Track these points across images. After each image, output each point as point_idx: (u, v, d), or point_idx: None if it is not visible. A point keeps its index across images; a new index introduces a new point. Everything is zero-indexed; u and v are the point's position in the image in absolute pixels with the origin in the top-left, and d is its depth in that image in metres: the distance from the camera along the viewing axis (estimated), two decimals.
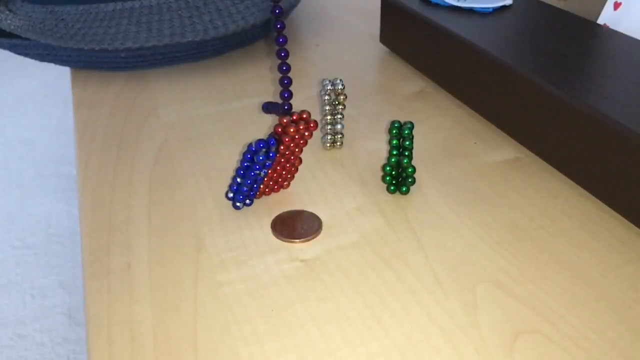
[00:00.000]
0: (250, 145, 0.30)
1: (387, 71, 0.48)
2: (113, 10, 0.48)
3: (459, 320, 0.25)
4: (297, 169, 0.33)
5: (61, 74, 2.08)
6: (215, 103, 0.44)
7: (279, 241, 0.30)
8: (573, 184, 0.34)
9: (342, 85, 0.35)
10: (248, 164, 0.30)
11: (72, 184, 1.49)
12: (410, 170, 0.32)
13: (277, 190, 0.33)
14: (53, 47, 0.46)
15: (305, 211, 0.32)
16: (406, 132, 0.31)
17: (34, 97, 1.92)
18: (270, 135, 0.30)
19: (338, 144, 0.37)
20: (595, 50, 0.37)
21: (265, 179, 0.32)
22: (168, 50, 0.46)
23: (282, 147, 0.30)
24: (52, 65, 2.15)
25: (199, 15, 0.48)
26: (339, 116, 0.36)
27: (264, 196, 0.33)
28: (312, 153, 0.37)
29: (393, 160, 0.32)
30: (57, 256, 1.27)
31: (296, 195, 0.33)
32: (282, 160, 0.31)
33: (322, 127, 0.37)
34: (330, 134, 0.37)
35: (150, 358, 0.24)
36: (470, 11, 0.44)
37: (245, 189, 0.31)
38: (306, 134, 0.30)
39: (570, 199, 0.33)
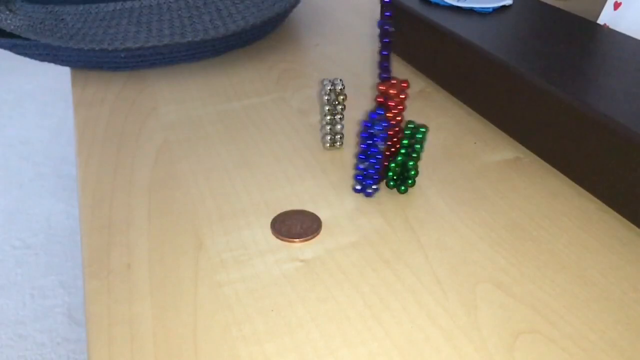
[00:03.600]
0: (364, 122, 0.29)
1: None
2: (113, 10, 0.48)
3: (459, 320, 0.25)
4: (402, 132, 0.32)
5: (61, 74, 2.08)
6: (215, 103, 0.44)
7: (279, 241, 0.30)
8: (573, 184, 0.34)
9: (342, 85, 0.35)
10: (367, 143, 0.30)
11: (72, 184, 1.49)
12: (412, 172, 0.32)
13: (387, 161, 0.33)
14: (53, 47, 0.46)
15: (305, 211, 0.32)
16: (419, 135, 0.31)
17: (34, 97, 1.92)
18: (376, 109, 0.29)
19: (338, 144, 0.37)
20: (595, 50, 0.37)
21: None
22: (168, 50, 0.46)
23: (389, 114, 0.29)
24: (52, 65, 2.15)
25: (199, 15, 0.48)
26: (339, 116, 0.36)
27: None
28: (312, 153, 0.37)
29: (400, 159, 0.32)
30: (57, 256, 1.27)
31: (296, 195, 0.33)
32: (390, 128, 0.31)
33: (322, 127, 0.37)
34: (330, 134, 0.37)
35: (150, 358, 0.24)
36: (470, 11, 0.44)
37: (372, 170, 0.30)
38: (402, 96, 0.30)
39: (570, 199, 0.33)
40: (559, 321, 0.25)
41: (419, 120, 0.41)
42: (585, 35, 0.39)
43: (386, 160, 0.33)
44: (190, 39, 0.45)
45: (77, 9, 0.49)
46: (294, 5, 0.53)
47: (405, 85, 0.30)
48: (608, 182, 0.31)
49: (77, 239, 1.31)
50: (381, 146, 0.30)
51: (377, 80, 0.30)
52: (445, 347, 0.24)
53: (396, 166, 0.32)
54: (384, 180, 0.33)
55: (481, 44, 0.39)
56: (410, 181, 0.33)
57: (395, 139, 0.33)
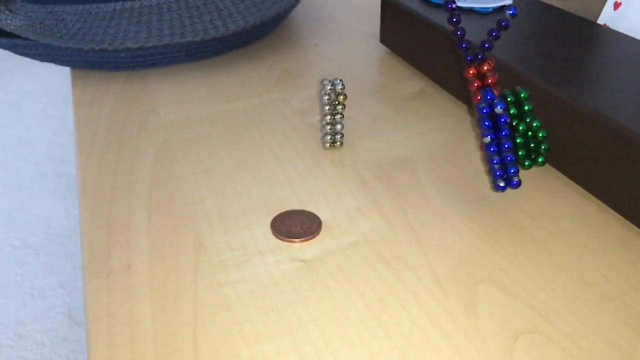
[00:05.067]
0: (483, 110, 0.26)
1: (387, 71, 0.48)
2: (113, 10, 0.48)
3: (459, 320, 0.25)
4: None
5: (61, 74, 2.08)
6: (215, 103, 0.44)
7: (279, 241, 0.30)
8: (573, 184, 0.34)
9: (342, 85, 0.35)
10: (492, 131, 0.27)
11: (72, 184, 1.49)
12: (541, 134, 0.28)
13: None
14: (53, 47, 0.46)
15: (305, 211, 0.32)
16: (523, 95, 0.28)
17: (34, 97, 1.92)
18: (483, 92, 0.27)
19: (338, 144, 0.37)
20: (595, 50, 0.37)
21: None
22: (168, 50, 0.46)
23: (495, 92, 0.27)
24: (52, 65, 2.15)
25: (199, 15, 0.48)
26: (339, 116, 0.36)
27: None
28: (312, 153, 0.37)
29: (522, 128, 0.28)
30: (57, 256, 1.27)
31: (296, 195, 0.33)
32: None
33: (322, 127, 0.37)
34: (330, 134, 0.37)
35: (150, 358, 0.24)
36: (470, 11, 0.44)
37: (510, 156, 0.27)
38: (487, 67, 0.27)
39: (570, 199, 0.33)
40: (559, 321, 0.25)
41: (419, 120, 0.41)
42: (585, 35, 0.39)
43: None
44: (190, 39, 0.45)
45: (77, 9, 0.49)
46: (294, 5, 0.53)
47: (490, 58, 0.27)
48: (608, 182, 0.31)
49: (77, 239, 1.31)
50: (506, 126, 0.27)
51: (464, 65, 0.27)
52: (445, 347, 0.24)
53: (523, 139, 0.29)
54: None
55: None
56: (543, 146, 0.29)
57: None
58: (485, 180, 0.34)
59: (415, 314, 0.26)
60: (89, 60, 0.47)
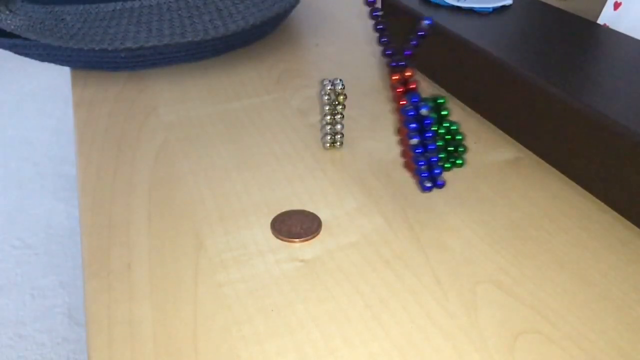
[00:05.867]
0: (408, 113, 0.28)
1: (387, 71, 0.48)
2: (113, 10, 0.48)
3: (459, 320, 0.25)
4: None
5: (61, 74, 2.08)
6: (215, 103, 0.44)
7: (279, 241, 0.30)
8: (573, 184, 0.34)
9: (342, 85, 0.35)
10: (418, 135, 0.28)
11: (72, 184, 1.49)
12: (459, 137, 0.30)
13: None
14: (53, 47, 0.46)
15: (305, 211, 0.32)
16: (440, 101, 0.29)
17: (34, 97, 1.92)
18: (408, 95, 0.28)
19: (338, 144, 0.37)
20: (595, 50, 0.37)
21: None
22: (168, 50, 0.46)
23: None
24: (52, 65, 2.15)
25: (199, 15, 0.48)
26: (339, 116, 0.36)
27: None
28: (312, 153, 0.37)
29: (442, 131, 0.30)
30: (57, 256, 1.27)
31: (296, 195, 0.33)
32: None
33: (322, 127, 0.37)
34: (330, 134, 0.37)
35: (150, 358, 0.24)
36: (470, 11, 0.44)
37: (435, 157, 0.29)
38: (409, 73, 0.29)
39: (570, 199, 0.33)
40: (559, 321, 0.25)
41: None
42: (585, 35, 0.39)
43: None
44: (190, 39, 0.45)
45: (77, 9, 0.49)
46: (294, 5, 0.53)
47: (410, 70, 0.29)
48: (608, 182, 0.31)
49: (77, 239, 1.31)
50: (433, 127, 0.28)
51: (388, 71, 0.29)
52: (445, 347, 0.24)
53: (443, 143, 0.30)
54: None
55: (481, 44, 0.39)
56: (461, 149, 0.30)
57: None
58: (485, 180, 0.34)
59: (415, 314, 0.26)
60: (89, 60, 0.47)
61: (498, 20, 0.43)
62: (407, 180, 0.34)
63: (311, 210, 0.32)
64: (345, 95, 0.35)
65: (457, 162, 0.31)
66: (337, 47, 0.53)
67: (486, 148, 0.37)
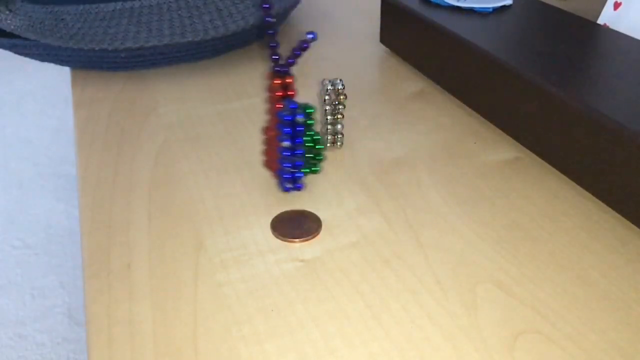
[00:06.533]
0: (285, 117, 0.30)
1: (387, 71, 0.48)
2: (113, 10, 0.48)
3: (459, 320, 0.25)
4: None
5: (61, 74, 2.08)
6: (215, 103, 0.44)
7: (279, 241, 0.30)
8: (573, 184, 0.34)
9: (342, 85, 0.35)
10: (290, 139, 0.30)
11: (72, 184, 1.49)
12: (319, 147, 0.32)
13: None
14: (53, 47, 0.46)
15: (305, 211, 0.32)
16: (308, 110, 0.32)
17: (34, 97, 1.92)
18: (287, 101, 0.30)
19: (338, 144, 0.37)
20: (595, 50, 0.37)
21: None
22: (168, 50, 0.46)
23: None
24: (52, 65, 2.15)
25: (199, 15, 0.48)
26: (339, 116, 0.36)
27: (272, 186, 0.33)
28: None
29: (307, 139, 0.32)
30: (57, 256, 1.27)
31: (296, 195, 0.33)
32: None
33: (322, 127, 0.37)
34: (330, 134, 0.37)
35: (150, 358, 0.24)
36: (470, 11, 0.44)
37: (300, 161, 0.31)
38: (290, 80, 0.31)
39: (570, 199, 0.33)
40: (559, 321, 0.25)
41: (419, 120, 0.41)
42: (585, 35, 0.39)
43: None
44: (190, 39, 0.45)
45: (77, 9, 0.49)
46: (294, 5, 0.53)
47: (291, 78, 0.31)
48: (608, 182, 0.31)
49: (77, 239, 1.31)
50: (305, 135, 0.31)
51: (271, 75, 0.31)
52: (445, 347, 0.24)
53: (308, 149, 0.33)
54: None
55: (481, 44, 0.39)
56: (319, 157, 0.33)
57: None
58: (485, 180, 0.34)
59: (415, 314, 0.26)
60: (89, 60, 0.47)
61: (498, 20, 0.43)
62: (407, 180, 0.34)
63: (311, 210, 0.32)
64: (345, 95, 0.35)
65: (314, 169, 0.33)
66: (337, 47, 0.53)
67: (486, 148, 0.37)
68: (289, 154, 0.31)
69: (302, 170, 0.32)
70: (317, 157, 0.33)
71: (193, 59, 0.50)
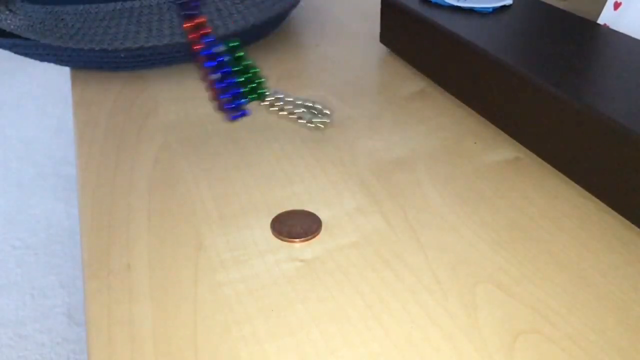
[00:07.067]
0: (204, 52, 0.31)
1: (387, 71, 0.48)
2: (113, 10, 0.48)
3: (459, 320, 0.25)
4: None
5: (61, 74, 2.08)
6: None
7: (278, 241, 0.30)
8: (573, 184, 0.34)
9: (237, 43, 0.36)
10: (217, 71, 0.32)
11: (72, 184, 1.49)
12: (254, 70, 0.33)
13: None
14: (53, 47, 0.46)
15: (305, 211, 0.32)
16: (233, 44, 0.32)
17: (34, 97, 1.92)
18: (203, 38, 0.31)
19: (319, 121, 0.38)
20: (595, 50, 0.37)
21: None
22: (168, 50, 0.46)
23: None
24: (52, 65, 2.15)
25: None
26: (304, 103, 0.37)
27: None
28: (312, 153, 0.37)
29: (238, 68, 0.33)
30: (57, 256, 1.27)
31: (296, 195, 0.33)
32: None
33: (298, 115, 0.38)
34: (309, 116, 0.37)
35: (150, 358, 0.24)
36: (470, 11, 0.44)
37: (237, 89, 0.32)
38: (202, 20, 0.32)
39: (570, 199, 0.33)
40: (559, 321, 0.25)
41: (419, 120, 0.41)
42: (585, 35, 0.39)
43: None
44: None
45: (77, 9, 0.49)
46: (294, 5, 0.53)
47: (202, 17, 0.32)
48: (608, 182, 0.31)
49: (77, 239, 1.31)
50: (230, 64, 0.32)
51: (181, 19, 0.32)
52: (445, 347, 0.24)
53: (244, 78, 0.33)
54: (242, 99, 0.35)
55: (481, 44, 0.39)
56: (259, 81, 0.34)
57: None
58: (485, 180, 0.34)
59: (415, 314, 0.26)
60: (89, 60, 0.47)
61: (498, 20, 0.43)
62: (407, 180, 0.34)
63: (311, 210, 0.32)
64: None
65: (260, 91, 0.34)
66: (337, 48, 0.53)
67: (486, 148, 0.37)
68: (223, 85, 0.31)
69: (244, 97, 0.33)
70: (259, 82, 0.34)
71: (193, 59, 0.50)
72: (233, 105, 0.33)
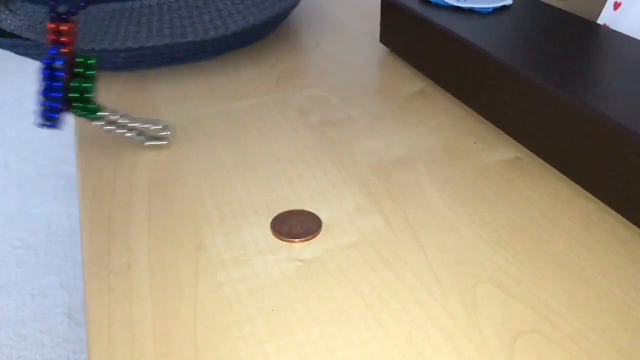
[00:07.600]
0: (44, 60, 0.31)
1: (387, 71, 0.48)
2: (113, 10, 0.48)
3: (459, 320, 0.25)
4: (74, 65, 0.35)
5: None
6: (215, 103, 0.44)
7: (278, 241, 0.30)
8: (573, 184, 0.34)
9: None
10: (50, 80, 0.32)
11: (72, 184, 1.49)
12: (88, 95, 0.34)
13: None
14: None
15: (305, 211, 0.32)
16: (90, 61, 0.33)
17: (34, 97, 1.92)
18: (51, 46, 0.31)
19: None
20: (595, 50, 0.37)
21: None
22: (168, 50, 0.46)
23: (64, 50, 0.32)
24: None
25: (199, 15, 0.48)
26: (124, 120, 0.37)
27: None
28: (312, 153, 0.37)
29: (76, 85, 0.34)
30: (57, 256, 1.27)
31: (296, 195, 0.33)
32: (69, 61, 0.34)
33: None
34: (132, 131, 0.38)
35: (150, 358, 0.24)
36: (470, 11, 0.44)
37: (57, 103, 0.33)
38: (65, 28, 0.32)
39: (570, 199, 0.33)
40: (559, 321, 0.25)
41: (419, 120, 0.41)
42: (585, 35, 0.39)
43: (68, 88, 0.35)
44: (190, 39, 0.45)
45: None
46: (294, 5, 0.53)
47: (74, 21, 0.32)
48: (608, 182, 0.31)
49: (77, 239, 1.31)
50: (62, 78, 0.32)
51: (48, 19, 0.33)
52: (445, 347, 0.24)
53: (78, 94, 0.34)
54: (70, 110, 0.35)
55: (481, 44, 0.39)
56: (90, 95, 0.34)
57: (72, 64, 0.34)
58: (485, 180, 0.34)
59: (415, 314, 0.26)
60: None
61: (498, 20, 0.43)
62: (407, 180, 0.34)
63: (311, 210, 0.32)
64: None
65: (89, 106, 0.34)
66: (337, 47, 0.53)
67: (486, 148, 0.37)
68: (48, 94, 0.32)
69: (63, 110, 0.33)
70: (90, 100, 0.34)
71: (193, 59, 0.50)
72: (46, 115, 0.34)
